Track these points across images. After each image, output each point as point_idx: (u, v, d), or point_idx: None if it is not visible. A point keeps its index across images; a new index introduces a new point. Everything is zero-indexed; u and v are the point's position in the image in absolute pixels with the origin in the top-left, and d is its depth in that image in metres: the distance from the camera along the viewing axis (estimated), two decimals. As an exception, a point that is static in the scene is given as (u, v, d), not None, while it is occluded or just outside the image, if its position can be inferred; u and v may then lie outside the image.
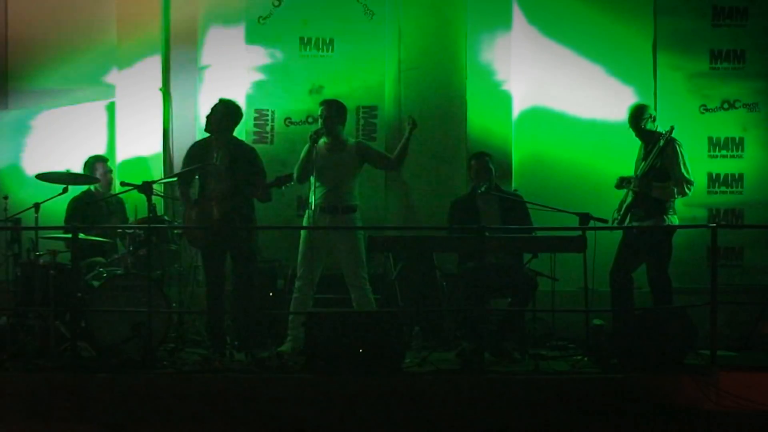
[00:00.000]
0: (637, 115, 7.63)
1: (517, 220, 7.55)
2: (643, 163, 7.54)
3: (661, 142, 7.41)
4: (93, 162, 8.25)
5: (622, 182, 7.71)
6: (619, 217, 7.62)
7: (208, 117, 7.60)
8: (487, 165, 7.64)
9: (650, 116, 7.65)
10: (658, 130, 7.61)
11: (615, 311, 7.50)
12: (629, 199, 7.58)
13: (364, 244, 7.57)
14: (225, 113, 7.54)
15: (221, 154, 7.46)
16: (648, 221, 7.51)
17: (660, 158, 7.44)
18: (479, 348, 6.82)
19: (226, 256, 7.54)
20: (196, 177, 7.59)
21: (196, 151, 7.63)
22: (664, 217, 7.51)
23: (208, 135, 7.65)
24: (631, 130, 7.68)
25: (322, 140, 7.65)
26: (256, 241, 7.72)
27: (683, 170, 7.49)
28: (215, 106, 7.59)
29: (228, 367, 6.94)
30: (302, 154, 7.62)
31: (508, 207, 7.63)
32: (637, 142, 7.75)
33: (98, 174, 8.14)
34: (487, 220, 7.46)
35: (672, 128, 7.45)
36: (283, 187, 7.49)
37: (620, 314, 7.40)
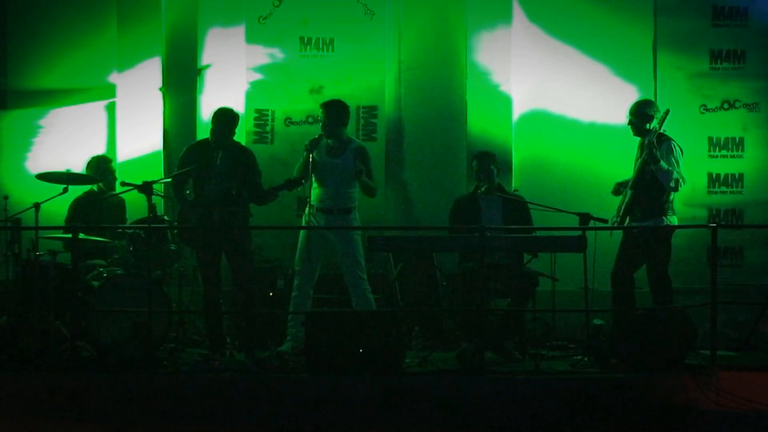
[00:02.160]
0: (640, 108, 7.60)
1: (519, 221, 7.55)
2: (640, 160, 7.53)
3: (655, 122, 7.38)
4: (97, 162, 8.24)
5: (620, 187, 7.70)
6: (618, 219, 7.61)
7: (212, 130, 7.59)
8: (488, 166, 7.63)
9: (651, 115, 7.63)
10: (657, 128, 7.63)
11: (615, 311, 7.50)
12: (627, 198, 7.57)
13: (361, 244, 7.57)
14: (229, 124, 7.56)
15: (221, 157, 7.47)
16: (647, 221, 7.50)
17: (649, 147, 7.40)
18: (479, 348, 6.82)
19: (220, 257, 7.55)
20: (191, 179, 7.60)
21: (194, 152, 7.62)
22: (663, 217, 7.50)
23: (207, 137, 7.67)
24: (629, 125, 7.65)
25: (323, 142, 7.63)
26: (251, 242, 7.72)
27: (678, 166, 7.47)
28: (217, 119, 7.57)
29: (228, 367, 6.93)
30: (301, 161, 7.60)
31: (510, 208, 7.63)
32: (635, 142, 7.75)
33: (103, 174, 8.13)
34: (489, 220, 7.46)
35: (668, 111, 7.43)
36: (295, 190, 7.50)
37: (620, 314, 7.40)
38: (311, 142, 7.50)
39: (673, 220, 7.57)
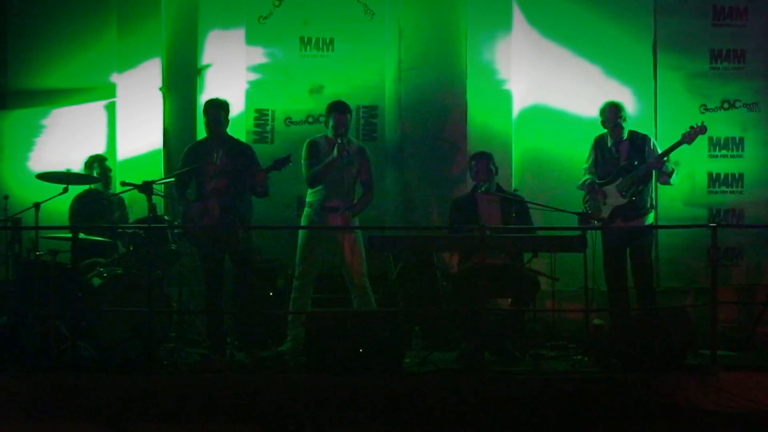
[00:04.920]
0: (617, 112, 7.68)
1: (518, 220, 7.55)
2: (624, 163, 7.59)
3: (687, 141, 7.52)
4: (91, 161, 8.26)
5: (592, 188, 7.76)
6: (604, 220, 7.65)
7: (206, 122, 7.58)
8: (488, 165, 7.64)
9: (624, 115, 7.74)
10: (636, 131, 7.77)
11: (615, 312, 7.51)
12: (625, 200, 7.63)
13: (363, 243, 7.57)
14: (221, 113, 7.55)
15: (221, 154, 7.46)
16: (635, 221, 7.58)
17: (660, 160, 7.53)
18: (479, 348, 6.82)
19: (224, 257, 7.54)
20: (192, 178, 7.60)
21: (194, 151, 7.62)
22: (650, 215, 7.67)
23: (206, 136, 7.67)
24: (603, 127, 7.78)
25: (323, 142, 7.64)
26: (252, 242, 7.71)
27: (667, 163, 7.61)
28: (209, 109, 7.57)
29: (228, 367, 6.94)
30: (308, 170, 7.58)
31: (509, 207, 7.63)
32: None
33: (97, 173, 8.13)
34: (488, 219, 7.46)
35: (704, 127, 7.56)
36: (283, 169, 7.43)
37: (619, 314, 7.40)
38: (343, 147, 7.44)
39: (652, 215, 7.79)
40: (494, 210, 7.62)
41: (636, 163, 7.59)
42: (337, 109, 7.61)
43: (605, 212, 7.65)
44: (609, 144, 7.75)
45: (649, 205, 7.67)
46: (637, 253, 7.61)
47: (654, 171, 7.63)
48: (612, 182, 7.65)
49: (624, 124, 7.69)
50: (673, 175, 7.64)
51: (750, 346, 7.91)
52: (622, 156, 7.65)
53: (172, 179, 7.77)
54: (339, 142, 7.46)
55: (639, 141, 7.67)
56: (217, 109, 7.57)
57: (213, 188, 7.47)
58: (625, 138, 7.68)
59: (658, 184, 8.02)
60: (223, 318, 7.67)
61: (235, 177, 7.46)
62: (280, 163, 7.36)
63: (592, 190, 7.74)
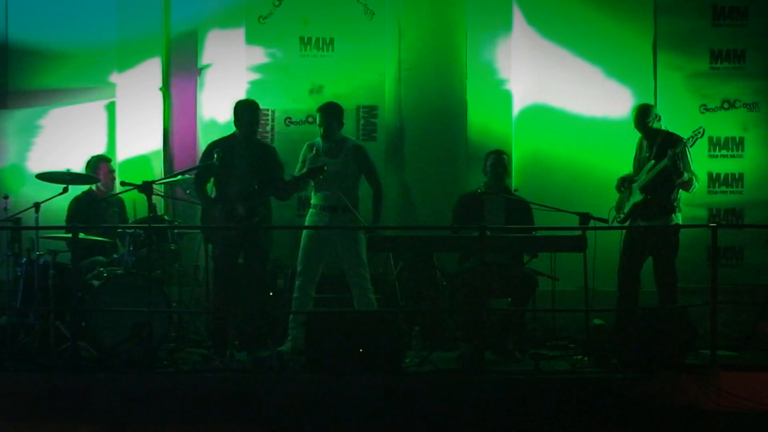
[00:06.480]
0: (644, 115, 7.65)
1: (521, 221, 7.55)
2: (653, 161, 7.54)
3: (690, 143, 7.44)
4: (96, 162, 8.24)
5: (623, 183, 7.74)
6: (623, 216, 7.64)
7: (245, 122, 7.49)
8: (504, 164, 7.64)
9: (656, 116, 7.69)
10: (663, 128, 7.67)
11: (618, 311, 7.50)
12: (636, 197, 7.58)
13: (364, 243, 7.56)
14: (259, 115, 7.56)
15: (245, 154, 7.39)
16: (657, 221, 7.53)
17: (674, 158, 7.47)
18: (479, 348, 6.82)
19: (238, 255, 7.48)
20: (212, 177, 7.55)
21: (217, 149, 7.48)
22: (674, 215, 7.56)
23: (231, 134, 7.60)
24: (636, 130, 7.71)
25: (323, 144, 7.64)
26: (271, 242, 7.67)
27: (692, 167, 7.54)
28: (249, 110, 7.51)
29: (228, 367, 6.94)
30: (300, 170, 7.57)
31: (513, 208, 7.63)
32: (636, 137, 7.77)
33: (101, 174, 8.13)
34: (492, 219, 7.46)
35: (703, 130, 7.47)
36: (321, 177, 7.40)
37: (624, 314, 7.39)
38: (320, 169, 7.39)
39: (680, 217, 7.62)
40: (499, 210, 7.62)
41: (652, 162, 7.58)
42: (322, 110, 7.64)
43: (626, 208, 7.65)
44: (644, 143, 7.73)
45: (670, 206, 7.56)
46: (659, 255, 7.57)
47: (673, 173, 7.53)
48: (637, 180, 7.65)
49: (655, 125, 7.63)
50: (691, 184, 7.53)
51: (750, 346, 7.91)
52: (651, 155, 7.63)
53: (175, 178, 7.78)
54: (312, 167, 7.41)
55: (669, 143, 7.51)
56: (257, 111, 7.53)
57: (235, 187, 7.39)
58: (658, 139, 7.62)
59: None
60: (227, 318, 7.64)
61: (259, 178, 7.40)
62: (315, 172, 7.34)
63: (621, 184, 7.74)
